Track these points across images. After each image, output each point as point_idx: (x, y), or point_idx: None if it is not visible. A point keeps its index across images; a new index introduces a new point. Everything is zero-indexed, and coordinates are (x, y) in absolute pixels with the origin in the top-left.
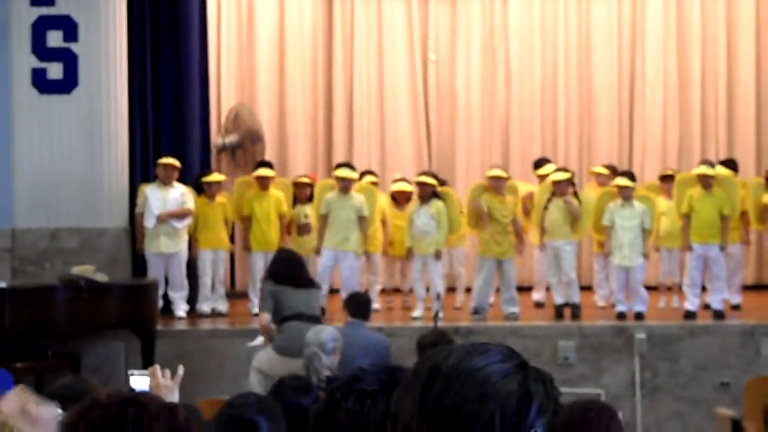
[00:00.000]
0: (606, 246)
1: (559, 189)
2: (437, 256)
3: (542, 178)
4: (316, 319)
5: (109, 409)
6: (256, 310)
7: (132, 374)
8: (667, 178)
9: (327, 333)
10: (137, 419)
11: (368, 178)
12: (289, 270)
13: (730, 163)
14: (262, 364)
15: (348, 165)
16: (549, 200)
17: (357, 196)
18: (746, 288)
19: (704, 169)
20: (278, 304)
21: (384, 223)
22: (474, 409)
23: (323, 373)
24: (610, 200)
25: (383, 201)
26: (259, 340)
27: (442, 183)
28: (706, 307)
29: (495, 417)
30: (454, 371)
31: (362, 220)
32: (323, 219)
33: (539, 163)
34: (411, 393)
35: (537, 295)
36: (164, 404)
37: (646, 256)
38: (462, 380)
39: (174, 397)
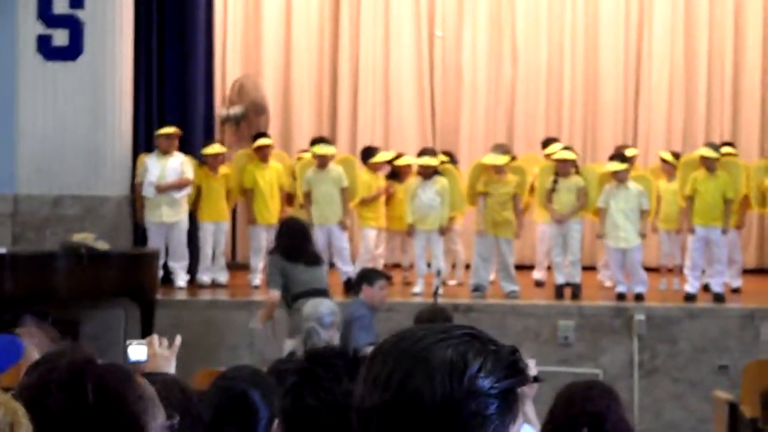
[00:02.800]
0: (600, 228)
1: (564, 168)
2: (441, 232)
3: (549, 157)
4: (324, 293)
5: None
6: (256, 282)
7: (130, 344)
8: (665, 160)
9: (324, 307)
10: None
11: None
12: (295, 242)
13: (730, 147)
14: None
15: (324, 140)
16: (555, 181)
17: (335, 168)
18: (747, 272)
19: (708, 151)
20: (288, 280)
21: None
22: (402, 379)
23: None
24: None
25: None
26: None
27: (448, 156)
28: (706, 289)
29: (423, 385)
30: (392, 347)
31: (344, 192)
32: (306, 197)
33: (547, 143)
34: (361, 374)
35: (538, 274)
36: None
37: (643, 236)
38: (396, 354)
39: (171, 367)
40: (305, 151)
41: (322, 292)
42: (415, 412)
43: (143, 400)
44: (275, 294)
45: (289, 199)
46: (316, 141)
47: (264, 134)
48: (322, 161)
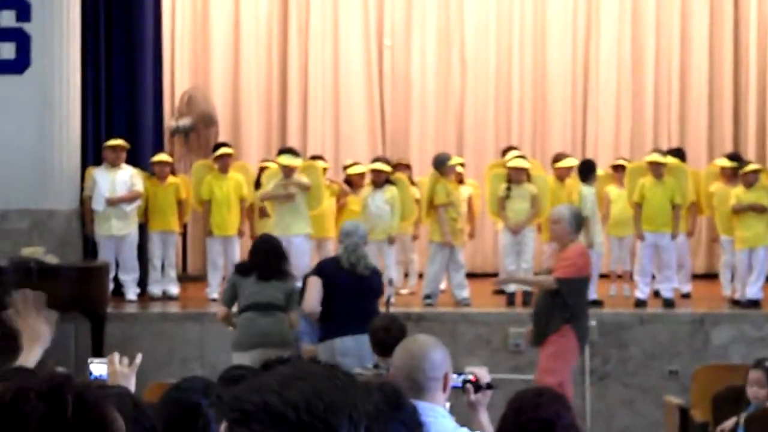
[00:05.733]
0: (585, 237)
1: (517, 176)
2: (391, 241)
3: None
4: (270, 307)
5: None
6: (213, 295)
7: (92, 362)
8: (618, 168)
9: (362, 227)
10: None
11: (319, 164)
12: (258, 259)
13: (678, 153)
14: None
15: (291, 150)
16: (509, 188)
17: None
18: (696, 277)
19: (655, 157)
20: (239, 294)
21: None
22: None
23: (368, 260)
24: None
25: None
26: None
27: (395, 167)
28: (656, 295)
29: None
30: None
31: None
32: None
33: (506, 151)
34: None
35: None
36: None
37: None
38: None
39: (130, 384)
40: (267, 160)
41: (262, 306)
42: None
43: (117, 422)
44: (220, 310)
45: (249, 211)
46: (283, 151)
47: (226, 144)
48: (287, 172)
